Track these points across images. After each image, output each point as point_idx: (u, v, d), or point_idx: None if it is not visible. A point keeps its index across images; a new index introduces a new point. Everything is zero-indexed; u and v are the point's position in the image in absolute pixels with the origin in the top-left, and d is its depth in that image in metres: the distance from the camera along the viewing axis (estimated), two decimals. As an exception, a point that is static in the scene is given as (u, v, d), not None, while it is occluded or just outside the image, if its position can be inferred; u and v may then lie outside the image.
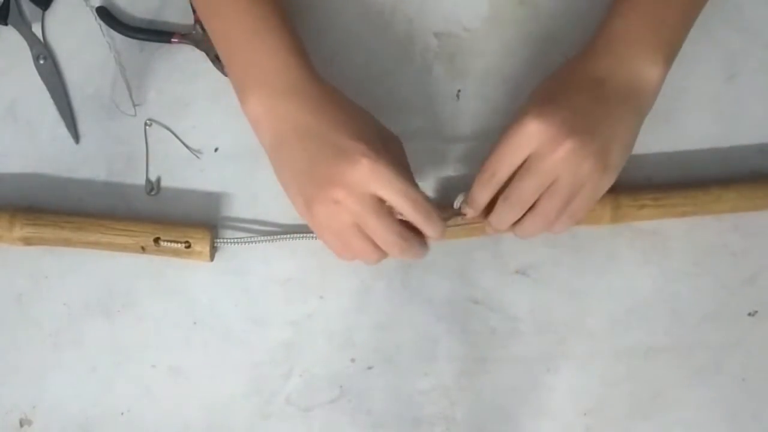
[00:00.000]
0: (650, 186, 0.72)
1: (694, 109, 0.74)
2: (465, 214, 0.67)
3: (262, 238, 0.71)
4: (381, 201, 0.62)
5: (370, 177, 0.61)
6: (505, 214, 0.65)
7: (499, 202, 0.65)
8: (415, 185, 0.63)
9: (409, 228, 0.64)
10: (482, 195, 0.65)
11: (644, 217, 0.71)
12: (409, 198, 0.62)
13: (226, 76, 0.73)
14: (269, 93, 0.64)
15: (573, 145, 0.62)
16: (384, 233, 0.62)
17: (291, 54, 0.65)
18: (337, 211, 0.62)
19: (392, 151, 0.65)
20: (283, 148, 0.64)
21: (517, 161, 0.63)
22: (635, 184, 0.73)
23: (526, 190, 0.64)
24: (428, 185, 0.73)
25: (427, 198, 0.63)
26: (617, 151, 0.64)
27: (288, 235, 0.71)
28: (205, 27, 0.68)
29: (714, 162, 0.74)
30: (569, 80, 0.66)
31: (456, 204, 0.67)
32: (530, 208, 0.65)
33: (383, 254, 0.64)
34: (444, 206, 0.68)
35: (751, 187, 0.71)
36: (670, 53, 0.66)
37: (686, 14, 0.67)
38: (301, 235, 0.70)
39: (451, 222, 0.68)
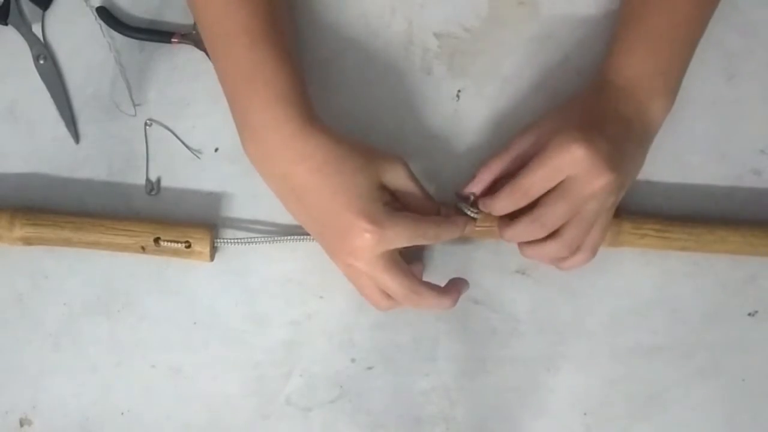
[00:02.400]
0: (654, 214, 0.71)
1: (694, 109, 0.74)
2: (475, 220, 0.68)
3: (263, 238, 0.71)
4: (393, 253, 0.63)
5: (376, 244, 0.62)
6: (527, 232, 0.66)
7: (525, 220, 0.65)
8: (426, 202, 0.65)
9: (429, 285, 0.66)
10: (506, 208, 0.66)
11: (644, 246, 0.71)
12: (420, 235, 0.64)
13: (226, 76, 0.73)
14: (264, 144, 0.64)
15: (611, 179, 0.63)
16: (397, 289, 0.64)
17: (286, 105, 0.63)
18: (350, 270, 0.64)
19: (395, 183, 0.65)
20: (286, 203, 0.66)
21: (555, 182, 0.63)
22: (634, 187, 0.73)
23: (556, 215, 0.64)
24: (428, 185, 0.73)
25: (437, 218, 0.65)
26: (628, 187, 0.67)
27: (288, 237, 0.71)
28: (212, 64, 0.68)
29: (714, 163, 0.74)
30: (604, 114, 0.66)
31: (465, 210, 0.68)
32: (553, 233, 0.66)
33: (396, 304, 0.66)
34: (454, 210, 0.69)
35: (757, 234, 0.71)
36: (675, 93, 0.69)
37: (689, 54, 0.69)
38: (302, 237, 0.71)
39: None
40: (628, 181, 0.66)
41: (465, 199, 0.69)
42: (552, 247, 0.66)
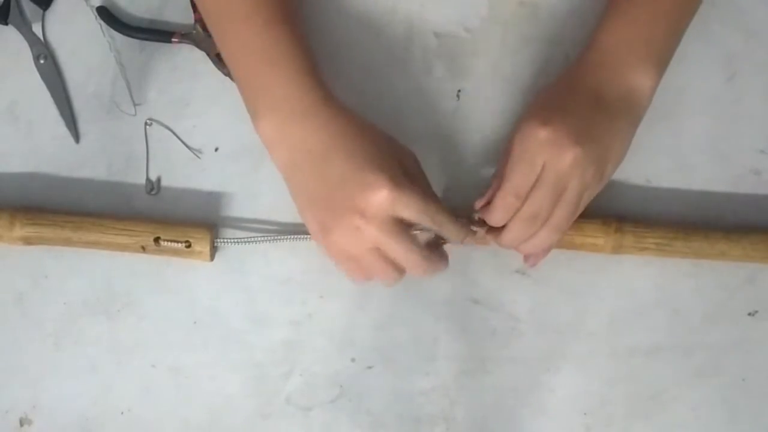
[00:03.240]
0: (654, 221, 0.71)
1: (694, 109, 0.74)
2: (475, 233, 0.68)
3: (263, 238, 0.71)
4: (401, 221, 0.62)
5: (392, 204, 0.61)
6: (521, 231, 0.66)
7: (515, 221, 0.65)
8: (435, 198, 0.65)
9: (428, 244, 0.65)
10: (505, 217, 0.66)
11: (644, 255, 0.71)
12: (429, 215, 0.63)
13: (226, 75, 0.73)
14: (282, 118, 0.64)
15: (580, 152, 0.63)
16: (405, 254, 0.63)
17: (304, 79, 0.64)
18: (356, 236, 0.62)
19: (408, 167, 0.65)
20: (298, 173, 0.65)
21: (536, 173, 0.63)
22: (634, 187, 0.73)
23: (544, 203, 0.64)
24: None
25: (446, 210, 0.64)
26: (613, 160, 0.66)
27: (288, 236, 0.71)
28: (218, 47, 0.68)
29: (714, 163, 0.74)
30: (569, 91, 0.66)
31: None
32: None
33: (402, 274, 0.65)
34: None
35: (757, 248, 0.71)
36: (661, 64, 0.67)
37: (676, 25, 0.68)
38: (302, 236, 0.71)
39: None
40: (608, 154, 0.65)
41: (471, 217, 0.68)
42: (543, 235, 0.66)
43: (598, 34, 0.68)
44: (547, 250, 0.69)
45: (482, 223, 0.67)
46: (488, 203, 0.66)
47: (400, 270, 0.64)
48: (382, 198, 0.61)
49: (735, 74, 0.74)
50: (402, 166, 0.64)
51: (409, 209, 0.62)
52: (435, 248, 0.66)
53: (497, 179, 0.67)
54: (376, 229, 0.61)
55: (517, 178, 0.64)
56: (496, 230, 0.67)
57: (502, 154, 0.68)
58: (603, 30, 0.68)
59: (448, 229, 0.65)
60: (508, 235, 0.66)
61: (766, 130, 0.74)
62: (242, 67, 0.66)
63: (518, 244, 0.67)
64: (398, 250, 0.63)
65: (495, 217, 0.66)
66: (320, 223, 0.64)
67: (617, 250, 0.70)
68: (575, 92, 0.66)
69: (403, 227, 0.62)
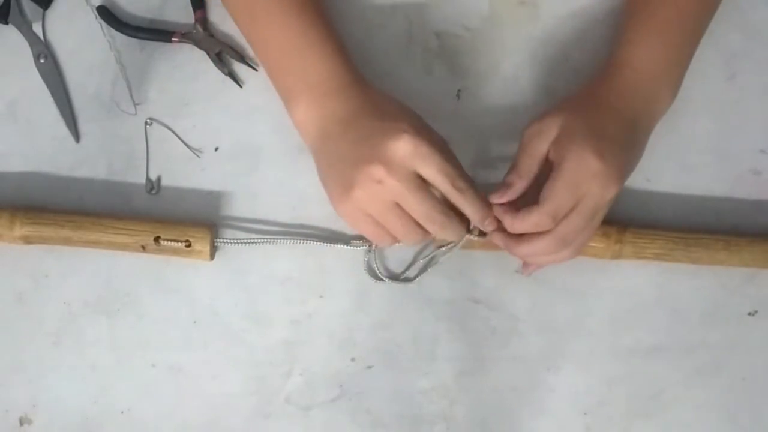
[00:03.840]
0: (654, 236, 0.71)
1: (694, 109, 0.74)
2: (485, 235, 0.67)
3: (262, 239, 0.71)
4: (422, 179, 0.62)
5: (412, 153, 0.62)
6: (545, 249, 0.65)
7: (543, 239, 0.64)
8: (459, 165, 0.64)
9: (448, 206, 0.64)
10: (529, 230, 0.65)
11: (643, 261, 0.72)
12: (448, 175, 0.63)
13: (226, 75, 0.73)
14: (317, 96, 0.66)
15: (618, 189, 0.64)
16: (426, 209, 0.63)
17: (338, 60, 0.67)
18: (378, 191, 0.62)
19: (436, 139, 0.65)
20: (326, 140, 0.66)
21: (577, 199, 0.63)
22: (634, 187, 0.73)
23: (576, 230, 0.64)
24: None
25: (468, 177, 0.64)
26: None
27: (288, 239, 0.71)
28: (245, 34, 0.70)
29: (714, 163, 0.74)
30: (610, 115, 0.66)
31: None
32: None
33: (423, 233, 0.65)
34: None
35: (756, 258, 0.71)
36: (681, 83, 0.69)
37: (695, 42, 0.69)
38: (301, 239, 0.71)
39: (464, 243, 0.69)
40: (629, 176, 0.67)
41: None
42: (566, 255, 0.66)
43: (630, 47, 0.68)
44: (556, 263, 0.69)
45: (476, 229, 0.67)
46: (507, 203, 0.65)
47: (420, 228, 0.64)
48: (403, 144, 0.61)
49: (735, 74, 0.74)
50: (427, 129, 0.65)
51: (430, 166, 0.62)
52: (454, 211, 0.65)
53: (515, 175, 0.65)
54: (397, 181, 0.62)
55: (559, 201, 0.63)
56: (509, 235, 0.66)
57: (521, 148, 0.66)
58: (635, 43, 0.68)
59: (469, 198, 0.64)
60: (527, 249, 0.66)
61: (766, 130, 0.74)
62: (275, 54, 0.68)
63: (533, 259, 0.68)
64: (418, 203, 0.63)
65: (520, 228, 0.65)
66: (343, 182, 0.64)
67: (616, 257, 0.70)
68: (617, 116, 0.66)
69: (423, 183, 0.63)
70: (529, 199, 0.64)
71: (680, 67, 0.69)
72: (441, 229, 0.64)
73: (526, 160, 0.65)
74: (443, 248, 0.71)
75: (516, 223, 0.65)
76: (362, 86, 0.67)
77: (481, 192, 0.65)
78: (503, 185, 0.65)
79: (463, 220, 0.65)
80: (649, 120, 0.68)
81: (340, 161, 0.65)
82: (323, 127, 0.66)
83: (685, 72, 0.69)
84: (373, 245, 0.71)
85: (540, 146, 0.65)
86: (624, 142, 0.65)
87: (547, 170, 0.64)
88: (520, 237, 0.66)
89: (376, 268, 0.71)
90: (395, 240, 0.65)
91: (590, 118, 0.65)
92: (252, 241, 0.71)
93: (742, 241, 0.71)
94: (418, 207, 0.63)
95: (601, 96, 0.67)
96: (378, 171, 0.62)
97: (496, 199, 0.65)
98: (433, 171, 0.62)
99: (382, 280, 0.72)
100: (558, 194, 0.63)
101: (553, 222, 0.64)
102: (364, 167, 0.62)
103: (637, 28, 0.69)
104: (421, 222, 0.64)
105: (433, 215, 0.63)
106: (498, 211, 0.65)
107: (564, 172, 0.63)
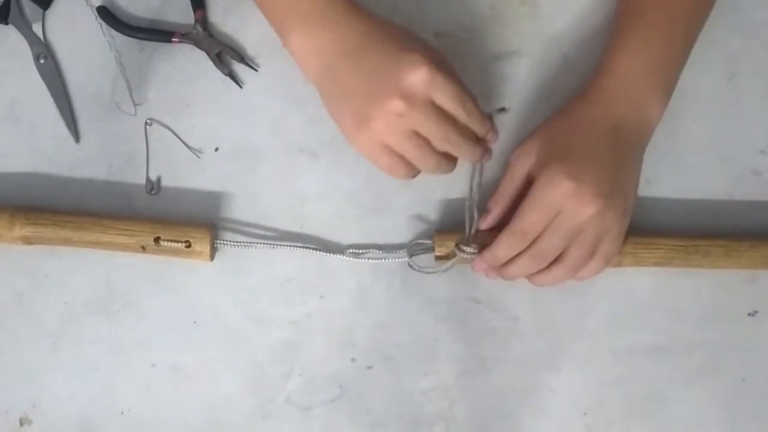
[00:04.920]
0: (653, 245, 0.71)
1: (694, 109, 0.74)
2: (496, 136, 0.69)
3: (262, 243, 0.71)
4: (438, 107, 0.63)
5: (430, 83, 0.62)
6: (528, 267, 0.67)
7: (525, 257, 0.67)
8: (464, 87, 0.65)
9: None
10: (508, 255, 0.67)
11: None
12: (461, 101, 0.64)
13: (226, 75, 0.73)
14: (312, 28, 0.65)
15: (602, 203, 0.64)
16: (444, 132, 0.64)
17: None
18: (396, 122, 0.63)
19: (444, 61, 0.66)
20: (332, 73, 0.65)
21: (550, 219, 0.65)
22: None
23: (554, 247, 0.66)
24: (428, 185, 0.73)
25: (476, 101, 0.65)
26: (633, 193, 0.67)
27: (288, 243, 0.71)
28: None
29: (714, 163, 0.74)
30: (588, 128, 0.67)
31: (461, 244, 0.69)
32: (557, 259, 0.67)
33: (440, 158, 0.65)
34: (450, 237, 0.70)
35: (756, 262, 0.71)
36: (672, 90, 0.69)
37: (688, 46, 0.69)
38: (301, 245, 0.71)
39: (453, 261, 0.69)
40: (628, 191, 0.67)
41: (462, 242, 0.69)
42: (558, 273, 0.67)
43: (614, 55, 0.68)
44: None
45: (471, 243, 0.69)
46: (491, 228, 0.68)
47: (436, 153, 0.65)
48: (421, 75, 0.62)
49: (735, 74, 0.74)
50: (439, 59, 0.65)
51: (445, 93, 0.63)
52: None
53: (499, 200, 0.68)
54: (416, 110, 0.62)
55: (529, 220, 0.65)
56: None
57: (507, 171, 0.69)
58: (620, 50, 0.68)
59: (476, 119, 0.65)
60: (513, 269, 0.68)
61: (766, 130, 0.74)
62: None
63: (522, 277, 0.69)
64: (438, 128, 0.63)
65: (499, 254, 0.67)
66: (359, 116, 0.64)
67: (616, 265, 0.70)
68: (594, 129, 0.66)
69: (440, 110, 0.63)
70: None
71: (672, 72, 0.68)
72: (459, 147, 0.65)
73: (506, 185, 0.68)
74: (442, 267, 0.71)
75: (496, 252, 0.67)
76: (361, 14, 0.66)
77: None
78: (483, 212, 0.69)
79: (481, 142, 0.67)
80: (637, 130, 0.67)
81: (352, 95, 0.64)
82: (326, 60, 0.65)
83: (678, 76, 0.69)
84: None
85: (519, 171, 0.67)
86: (606, 158, 0.65)
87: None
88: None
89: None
90: (411, 170, 0.66)
91: (566, 138, 0.66)
92: (251, 244, 0.71)
93: (742, 246, 0.71)
94: (437, 131, 0.64)
95: (582, 111, 0.67)
96: (398, 105, 0.62)
97: (480, 226, 0.69)
98: (448, 98, 0.63)
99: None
100: (525, 213, 0.65)
101: (524, 240, 0.66)
102: (382, 102, 0.63)
103: (622, 34, 0.69)
104: (441, 145, 0.65)
105: (451, 137, 0.64)
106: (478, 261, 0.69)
107: (533, 192, 0.65)
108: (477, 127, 0.66)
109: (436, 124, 0.63)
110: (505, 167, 0.69)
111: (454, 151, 0.66)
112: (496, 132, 0.68)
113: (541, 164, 0.65)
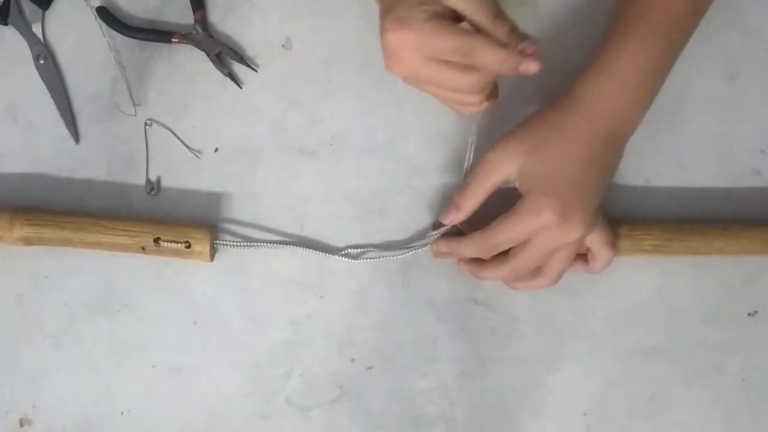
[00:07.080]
0: (652, 221, 0.71)
1: (694, 109, 0.74)
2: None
3: (262, 243, 0.71)
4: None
5: (406, 48, 0.60)
6: (501, 274, 0.68)
7: (501, 265, 0.68)
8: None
9: None
10: (472, 255, 0.68)
11: (641, 256, 0.72)
12: (456, 50, 0.60)
13: (226, 76, 0.73)
14: None
15: (585, 230, 0.65)
16: (456, 43, 0.60)
17: None
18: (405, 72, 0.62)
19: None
20: None
21: (523, 241, 0.65)
22: (634, 188, 0.73)
23: (528, 265, 0.67)
24: (427, 185, 0.73)
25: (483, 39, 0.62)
26: (598, 209, 0.67)
27: (288, 243, 0.71)
28: None
29: (714, 163, 0.74)
30: (570, 137, 0.66)
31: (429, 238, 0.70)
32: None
33: (473, 72, 0.62)
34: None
35: (755, 243, 0.71)
36: (654, 98, 0.68)
37: (676, 56, 0.69)
38: (301, 245, 0.71)
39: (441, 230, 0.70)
40: (597, 207, 0.67)
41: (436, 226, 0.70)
42: (538, 282, 0.68)
43: (615, 56, 0.67)
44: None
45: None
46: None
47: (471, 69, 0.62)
48: (397, 43, 0.60)
49: (735, 74, 0.74)
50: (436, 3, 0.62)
51: (431, 44, 0.60)
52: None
53: (470, 200, 0.67)
54: (410, 65, 0.61)
55: (504, 238, 0.65)
56: (474, 260, 0.70)
57: (481, 169, 0.67)
58: (621, 51, 0.67)
59: (498, 20, 0.62)
60: (487, 272, 0.69)
61: (766, 130, 0.74)
62: None
63: (498, 280, 0.70)
64: (445, 42, 0.60)
65: (464, 252, 0.68)
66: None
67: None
68: (580, 143, 0.65)
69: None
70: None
71: (656, 80, 0.67)
72: (481, 54, 0.61)
73: (478, 186, 0.67)
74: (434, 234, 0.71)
75: (462, 249, 0.68)
76: None
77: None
78: (452, 205, 0.68)
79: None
80: (619, 137, 0.67)
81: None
82: None
83: (661, 84, 0.68)
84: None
85: (495, 175, 0.66)
86: (592, 181, 0.65)
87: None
88: (484, 263, 0.69)
89: None
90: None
91: (553, 154, 0.65)
92: (251, 244, 0.71)
93: (738, 228, 0.71)
94: (445, 45, 0.60)
95: (568, 117, 0.66)
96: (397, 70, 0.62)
97: (444, 219, 0.69)
98: (440, 48, 0.60)
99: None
100: (500, 230, 0.65)
101: (492, 252, 0.67)
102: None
103: (622, 35, 0.68)
104: (461, 54, 0.61)
105: (473, 43, 0.61)
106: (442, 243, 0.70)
107: (516, 215, 0.65)
108: (494, 33, 0.62)
109: (444, 42, 0.60)
110: (480, 162, 0.67)
111: (477, 62, 0.61)
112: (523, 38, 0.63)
113: (528, 187, 0.65)
